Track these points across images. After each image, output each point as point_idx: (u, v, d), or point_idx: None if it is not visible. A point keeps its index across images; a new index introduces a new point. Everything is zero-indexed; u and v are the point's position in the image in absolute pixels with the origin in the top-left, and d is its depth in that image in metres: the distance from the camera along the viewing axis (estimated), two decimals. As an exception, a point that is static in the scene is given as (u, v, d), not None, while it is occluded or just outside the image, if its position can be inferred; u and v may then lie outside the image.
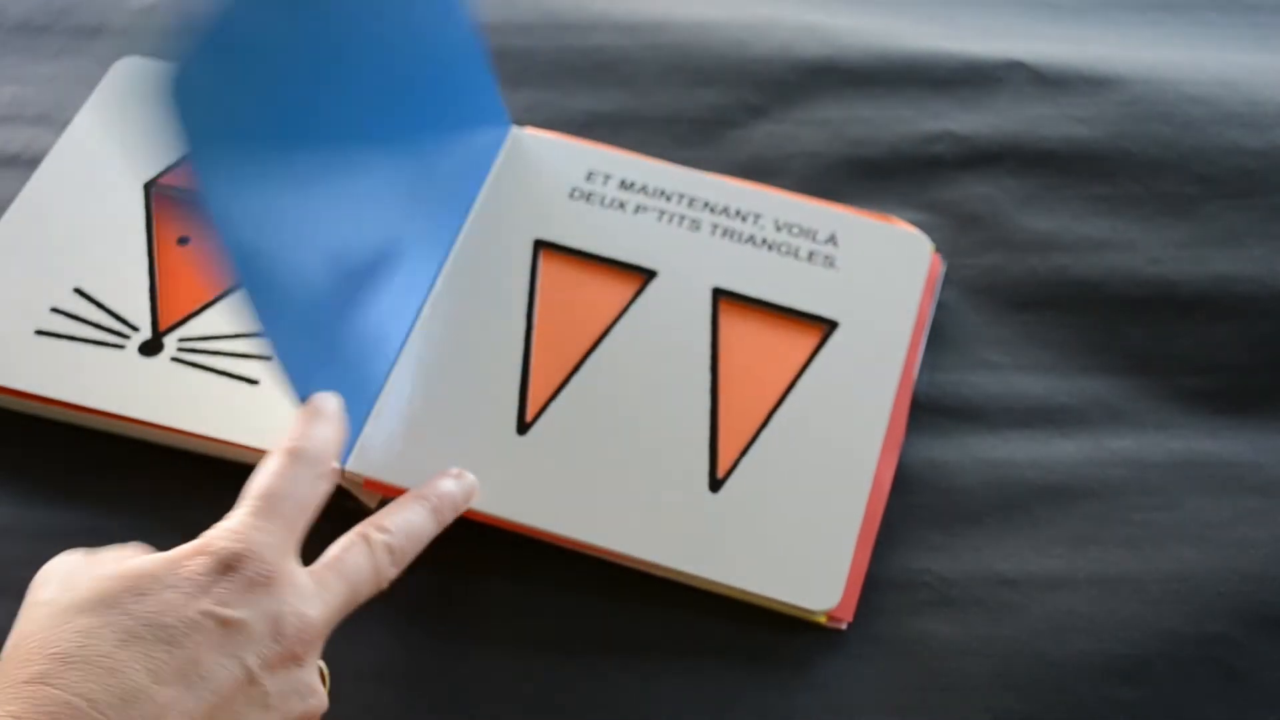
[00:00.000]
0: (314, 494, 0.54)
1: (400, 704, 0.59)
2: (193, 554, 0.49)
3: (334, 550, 0.54)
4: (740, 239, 0.71)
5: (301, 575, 0.52)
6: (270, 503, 0.52)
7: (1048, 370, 0.69)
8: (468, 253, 0.70)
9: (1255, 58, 0.81)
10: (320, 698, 0.51)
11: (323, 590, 0.52)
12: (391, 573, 0.56)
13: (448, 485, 0.61)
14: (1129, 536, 0.63)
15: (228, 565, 0.49)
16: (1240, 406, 0.68)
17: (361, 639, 0.60)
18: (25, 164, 0.74)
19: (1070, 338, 0.70)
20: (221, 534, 0.50)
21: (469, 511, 0.62)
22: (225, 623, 0.48)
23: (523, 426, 0.65)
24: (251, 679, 0.48)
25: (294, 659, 0.49)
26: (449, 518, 0.60)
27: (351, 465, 0.63)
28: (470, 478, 0.62)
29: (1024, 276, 0.72)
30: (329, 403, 0.58)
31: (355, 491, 0.63)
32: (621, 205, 0.72)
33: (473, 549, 0.63)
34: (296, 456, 0.54)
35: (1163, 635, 0.60)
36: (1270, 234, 0.73)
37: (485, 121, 0.74)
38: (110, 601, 0.47)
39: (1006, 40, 0.82)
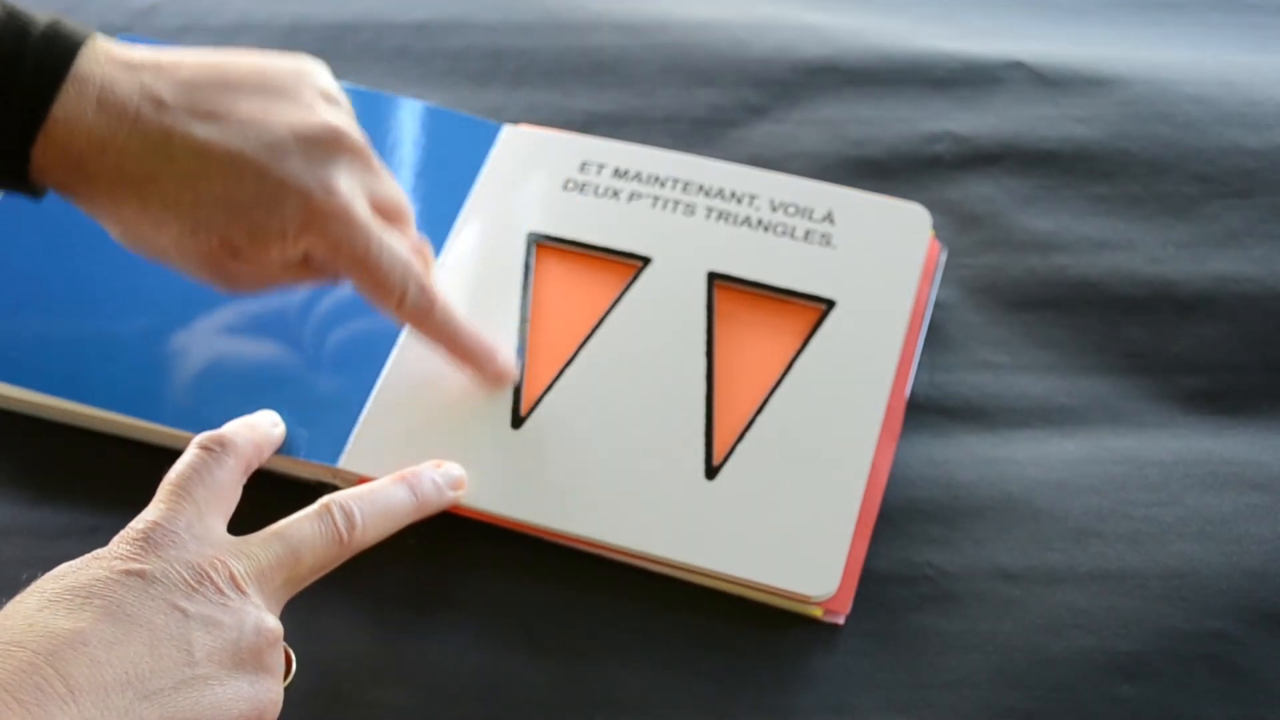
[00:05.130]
0: (224, 476, 0.56)
1: (400, 704, 0.59)
2: (110, 544, 0.52)
3: (286, 518, 0.56)
4: (736, 221, 0.71)
5: (221, 534, 0.54)
6: (180, 487, 0.54)
7: (1048, 370, 0.69)
8: (461, 248, 0.70)
9: (1255, 58, 0.81)
10: (273, 628, 0.52)
11: (249, 544, 0.53)
12: (354, 537, 0.56)
13: (423, 465, 0.62)
14: (1130, 532, 0.63)
15: (135, 538, 0.51)
16: (1240, 405, 0.68)
17: (362, 638, 0.61)
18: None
19: (1070, 338, 0.70)
20: (134, 520, 0.53)
21: (465, 508, 0.62)
22: (138, 574, 0.50)
23: (517, 421, 0.65)
24: (183, 611, 0.49)
25: (221, 594, 0.51)
26: (428, 492, 0.60)
27: (345, 463, 0.63)
28: (451, 465, 0.62)
29: (1024, 276, 0.72)
30: (259, 413, 0.62)
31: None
32: (615, 194, 0.72)
33: (469, 545, 0.63)
34: (204, 446, 0.56)
35: (1163, 632, 0.60)
36: (1270, 234, 0.73)
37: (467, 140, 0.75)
38: (34, 589, 0.49)
39: (1006, 40, 0.82)
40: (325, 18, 0.84)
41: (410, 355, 0.67)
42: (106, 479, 0.65)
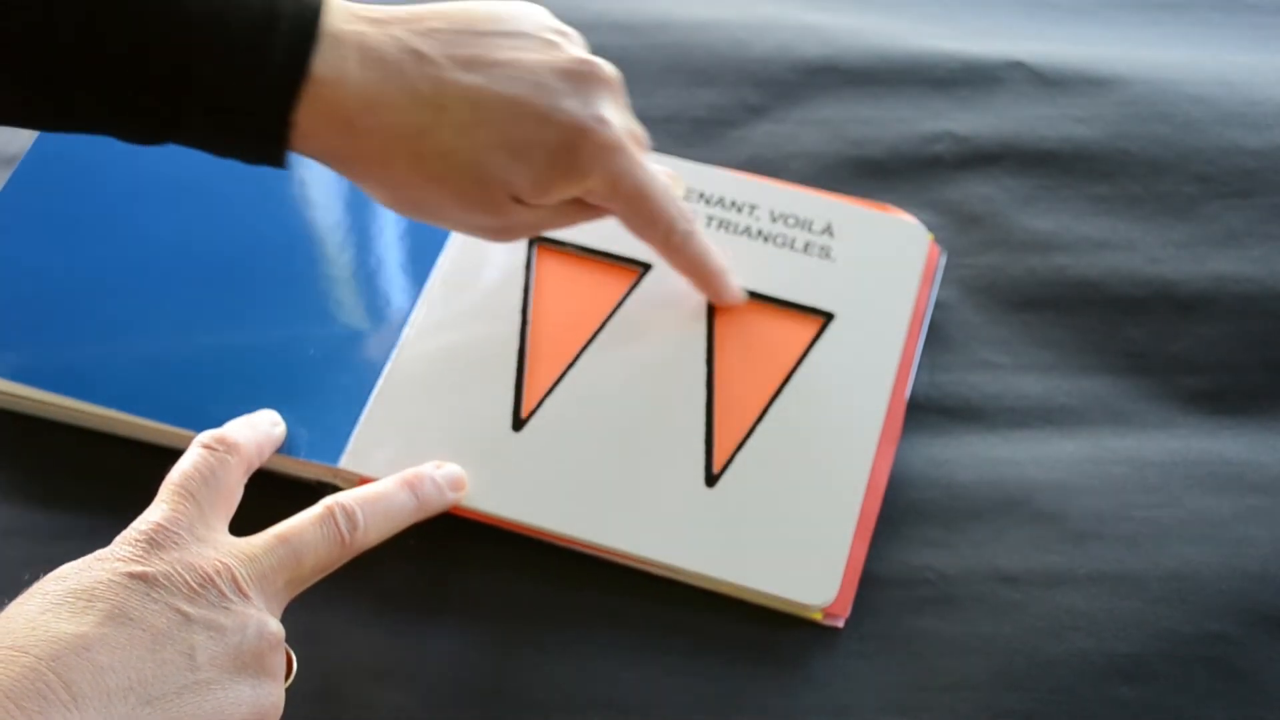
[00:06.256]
0: (227, 476, 0.55)
1: (401, 705, 0.59)
2: (111, 544, 0.51)
3: (288, 520, 0.56)
4: (736, 230, 0.71)
5: (223, 535, 0.53)
6: (183, 487, 0.54)
7: (1048, 370, 0.69)
8: (462, 250, 0.70)
9: (1255, 58, 0.81)
10: (275, 631, 0.52)
11: (251, 546, 0.53)
12: (356, 539, 0.56)
13: (424, 466, 0.62)
14: (1129, 534, 0.63)
15: (138, 539, 0.51)
16: (1240, 406, 0.68)
17: (362, 639, 0.61)
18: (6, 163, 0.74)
19: (1070, 338, 0.70)
20: (136, 521, 0.52)
21: (465, 510, 0.62)
22: (141, 577, 0.49)
23: (518, 423, 0.65)
24: (185, 615, 0.49)
25: (224, 598, 0.51)
26: (429, 494, 0.60)
27: (346, 463, 0.63)
28: (452, 466, 0.62)
29: (1024, 276, 0.72)
30: (259, 412, 0.62)
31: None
32: None
33: (469, 546, 0.63)
34: (207, 446, 0.56)
35: (1163, 634, 0.60)
36: (1269, 234, 0.73)
37: None
38: (36, 591, 0.49)
39: (1006, 40, 0.82)
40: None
41: (411, 355, 0.67)
42: (107, 479, 0.65)
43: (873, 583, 0.62)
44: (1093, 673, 0.59)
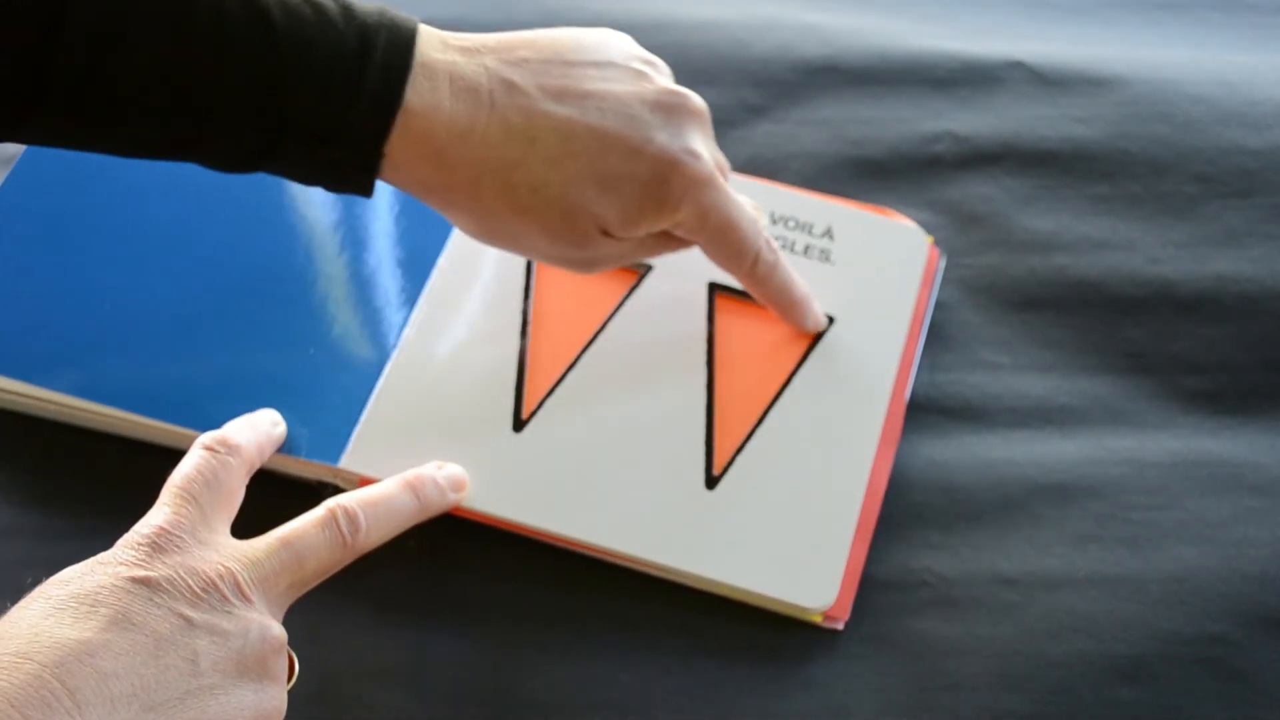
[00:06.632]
0: (229, 478, 0.55)
1: (401, 706, 0.59)
2: (114, 547, 0.51)
3: (290, 523, 0.56)
4: None
5: (225, 539, 0.53)
6: (185, 489, 0.54)
7: (1048, 370, 0.69)
8: (463, 249, 0.70)
9: (1255, 58, 0.81)
10: (278, 635, 0.52)
11: (254, 550, 0.53)
12: (358, 541, 0.56)
13: (426, 467, 0.62)
14: (1129, 536, 0.63)
15: (140, 543, 0.51)
16: (1240, 406, 0.68)
17: (363, 640, 0.61)
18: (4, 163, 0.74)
19: (1070, 338, 0.70)
20: (139, 524, 0.52)
21: (465, 510, 0.62)
22: (144, 581, 0.49)
23: (519, 424, 0.65)
24: (188, 620, 0.49)
25: (226, 602, 0.50)
26: (431, 496, 0.60)
27: (346, 462, 0.63)
28: (453, 467, 0.62)
29: (1024, 276, 0.72)
30: (259, 412, 0.61)
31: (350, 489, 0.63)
32: None
33: (469, 547, 0.63)
34: (209, 447, 0.56)
35: (1162, 635, 0.60)
36: (1270, 234, 0.73)
37: None
38: (38, 595, 0.49)
39: (1006, 40, 0.81)
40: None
41: (411, 355, 0.67)
42: (107, 479, 0.65)
43: (872, 585, 0.62)
44: (1093, 674, 0.59)
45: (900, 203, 0.74)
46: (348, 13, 0.55)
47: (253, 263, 0.69)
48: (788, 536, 0.62)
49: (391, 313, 0.68)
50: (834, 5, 0.85)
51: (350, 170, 0.56)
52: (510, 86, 0.57)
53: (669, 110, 0.60)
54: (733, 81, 0.80)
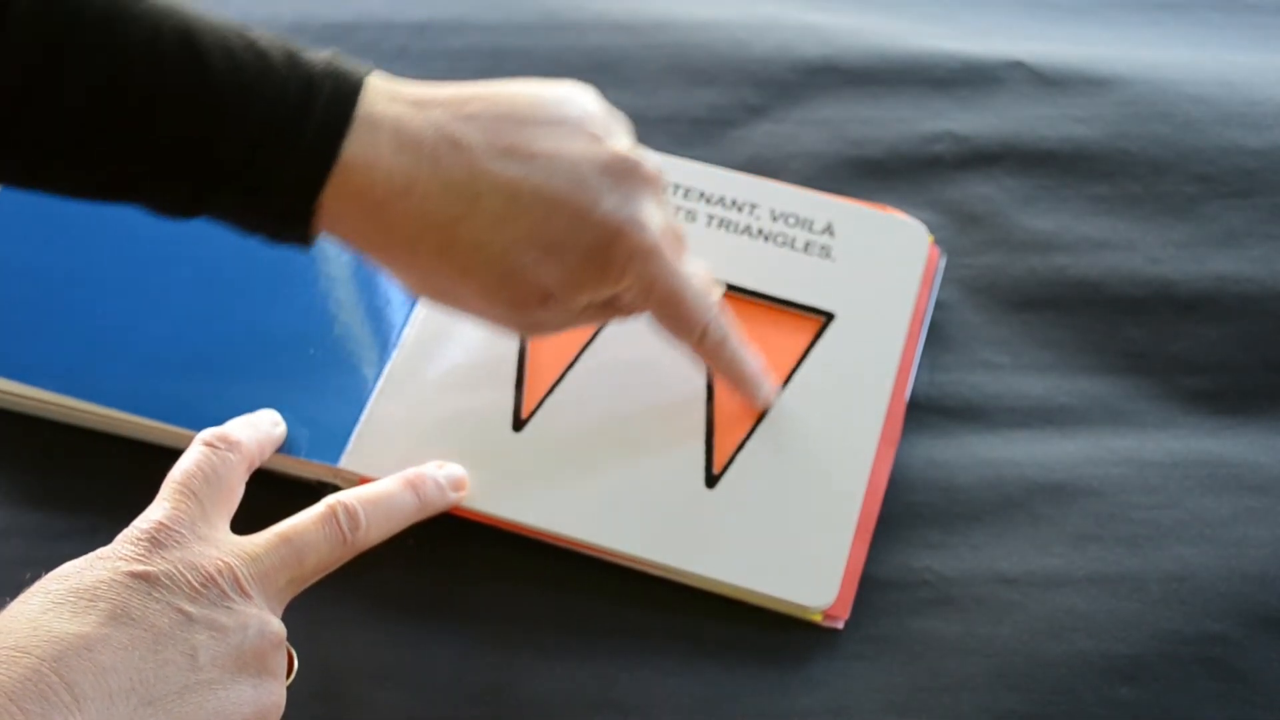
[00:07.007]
0: (229, 474, 0.55)
1: (401, 705, 0.59)
2: (113, 542, 0.51)
3: (290, 519, 0.56)
4: (736, 230, 0.71)
5: (225, 534, 0.53)
6: (185, 485, 0.54)
7: (1048, 370, 0.69)
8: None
9: (1255, 58, 0.81)
10: (277, 631, 0.52)
11: (253, 545, 0.53)
12: (358, 538, 0.56)
13: (426, 466, 0.62)
14: (1129, 536, 0.63)
15: (140, 538, 0.51)
16: (1240, 406, 0.68)
17: (362, 639, 0.61)
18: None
19: (1070, 338, 0.70)
20: (138, 518, 0.52)
21: (465, 510, 0.62)
22: (143, 576, 0.49)
23: (519, 424, 0.65)
24: (187, 615, 0.49)
25: (225, 597, 0.51)
26: (431, 494, 0.60)
27: (346, 462, 0.63)
28: (454, 466, 0.62)
29: (1024, 276, 0.72)
30: (259, 412, 0.61)
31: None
32: None
33: (469, 547, 0.63)
34: (209, 444, 0.56)
35: (1162, 635, 0.60)
36: (1270, 234, 0.73)
37: None
38: (37, 589, 0.49)
39: (1006, 40, 0.82)
40: (326, 17, 0.84)
41: (411, 355, 0.67)
42: (107, 479, 0.65)
43: (872, 585, 0.62)
44: (1092, 673, 0.59)
45: (900, 203, 0.74)
46: (293, 61, 0.54)
47: (253, 263, 0.69)
48: (788, 536, 0.62)
49: (391, 313, 0.68)
50: (834, 5, 0.85)
51: (285, 221, 0.55)
52: (456, 142, 0.56)
53: (620, 175, 0.58)
54: (733, 81, 0.80)
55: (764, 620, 0.61)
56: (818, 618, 0.61)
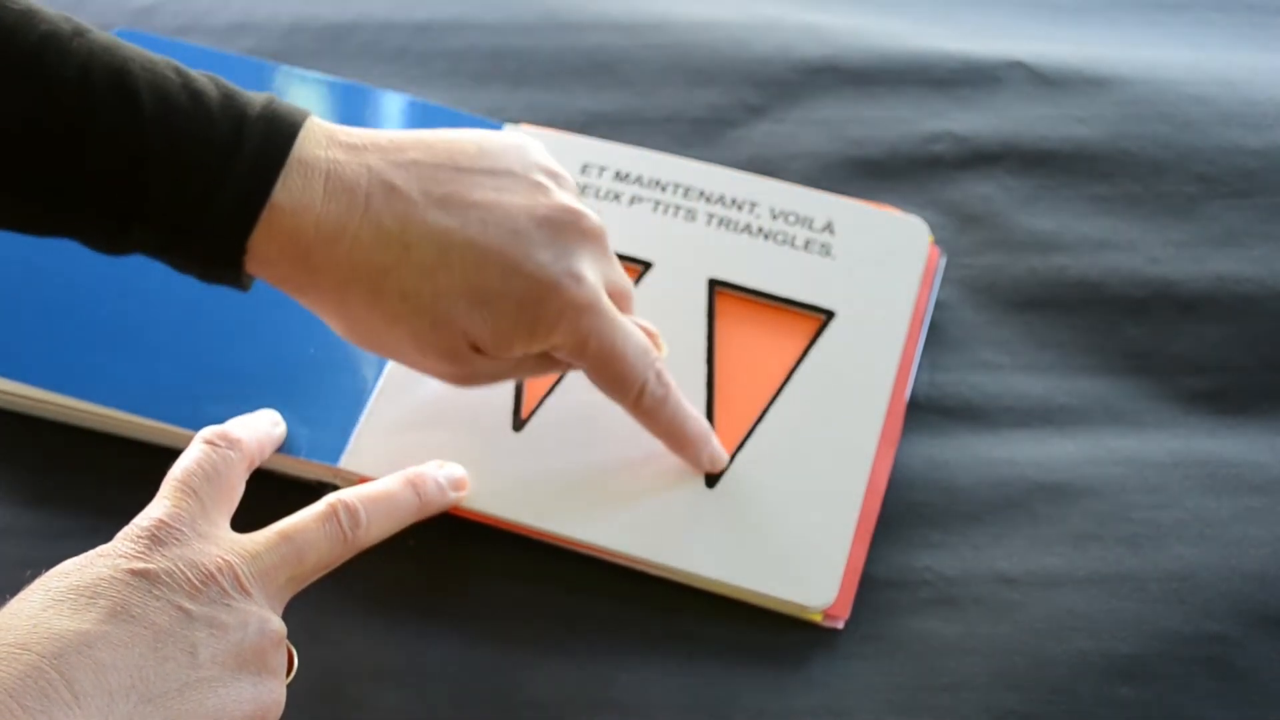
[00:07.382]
0: (230, 472, 0.55)
1: (401, 704, 0.59)
2: (114, 540, 0.51)
3: (290, 517, 0.55)
4: (736, 228, 0.71)
5: (225, 532, 0.53)
6: (186, 483, 0.54)
7: (1048, 370, 0.69)
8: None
9: (1255, 58, 0.81)
10: (277, 629, 0.52)
11: (253, 543, 0.53)
12: (358, 536, 0.56)
13: (427, 465, 0.61)
14: (1129, 535, 0.63)
15: (140, 536, 0.51)
16: (1240, 406, 0.68)
17: (362, 639, 0.61)
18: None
19: (1070, 338, 0.70)
20: (139, 516, 0.52)
21: (465, 510, 0.62)
22: (143, 574, 0.49)
23: (518, 424, 0.65)
24: (187, 613, 0.49)
25: (225, 595, 0.50)
26: (431, 493, 0.60)
27: (346, 462, 0.63)
28: (454, 466, 0.62)
29: (1024, 276, 0.72)
30: (259, 412, 0.61)
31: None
32: (617, 196, 0.72)
33: (468, 546, 0.63)
34: (210, 441, 0.56)
35: (1162, 634, 0.60)
36: (1270, 234, 0.73)
37: None
38: (38, 586, 0.49)
39: (1006, 40, 0.82)
40: (326, 17, 0.84)
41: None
42: (107, 479, 0.65)
43: (872, 584, 0.62)
44: (1093, 673, 0.59)
45: (900, 203, 0.74)
46: (228, 103, 0.54)
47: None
48: (788, 535, 0.62)
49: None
50: (834, 5, 0.85)
51: (213, 262, 0.55)
52: (391, 189, 0.55)
53: (558, 228, 0.57)
54: (733, 81, 0.80)
55: (764, 620, 0.61)
56: (818, 618, 0.61)
